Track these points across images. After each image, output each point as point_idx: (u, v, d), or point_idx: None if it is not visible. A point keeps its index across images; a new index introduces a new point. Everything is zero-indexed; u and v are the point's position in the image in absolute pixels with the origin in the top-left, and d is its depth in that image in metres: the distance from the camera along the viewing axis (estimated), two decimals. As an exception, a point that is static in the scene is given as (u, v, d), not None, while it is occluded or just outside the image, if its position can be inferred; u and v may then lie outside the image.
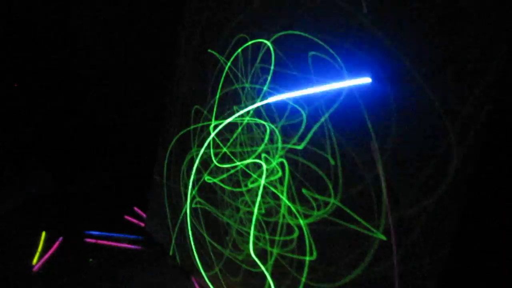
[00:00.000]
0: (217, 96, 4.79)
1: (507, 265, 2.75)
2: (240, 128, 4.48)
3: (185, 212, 5.19)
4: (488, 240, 2.79)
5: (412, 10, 3.00)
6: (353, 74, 3.38)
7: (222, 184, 4.68)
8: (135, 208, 6.49)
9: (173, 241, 5.45)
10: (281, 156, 4.00)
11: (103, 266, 5.02)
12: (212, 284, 4.73)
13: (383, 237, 3.17)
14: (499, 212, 2.74)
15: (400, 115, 3.09)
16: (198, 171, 5.05)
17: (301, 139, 3.80)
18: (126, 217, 6.31)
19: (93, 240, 5.61)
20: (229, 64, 4.62)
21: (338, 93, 3.48)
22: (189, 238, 5.08)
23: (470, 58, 2.72)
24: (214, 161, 4.77)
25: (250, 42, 4.37)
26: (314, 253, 3.68)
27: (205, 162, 4.92)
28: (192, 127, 5.19)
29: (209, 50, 4.92)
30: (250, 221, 4.27)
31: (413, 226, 2.99)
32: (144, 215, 6.26)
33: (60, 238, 5.48)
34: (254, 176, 4.29)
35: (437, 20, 2.88)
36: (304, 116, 3.78)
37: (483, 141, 2.66)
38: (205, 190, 4.92)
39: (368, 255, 3.28)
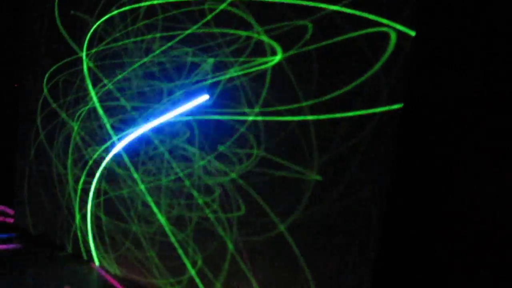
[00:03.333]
0: (92, 62, 4.31)
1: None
2: (136, 82, 4.06)
3: (69, 195, 4.65)
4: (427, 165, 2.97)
5: None
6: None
7: (114, 157, 4.26)
8: (-4, 203, 5.66)
9: (59, 230, 4.86)
10: (187, 115, 3.75)
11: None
12: (120, 265, 4.35)
13: (319, 177, 3.18)
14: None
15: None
16: (78, 148, 4.54)
17: (210, 92, 3.60)
18: (-11, 215, 5.48)
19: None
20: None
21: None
22: (81, 222, 4.59)
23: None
24: (101, 131, 4.31)
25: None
26: (242, 208, 3.56)
27: (89, 135, 4.43)
28: (62, 100, 4.60)
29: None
30: (159, 189, 3.98)
31: (349, 160, 3.03)
32: (10, 211, 5.49)
33: None
34: (156, 141, 3.97)
35: None
36: (211, 65, 3.59)
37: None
38: (92, 167, 4.44)
39: (303, 199, 3.26)
